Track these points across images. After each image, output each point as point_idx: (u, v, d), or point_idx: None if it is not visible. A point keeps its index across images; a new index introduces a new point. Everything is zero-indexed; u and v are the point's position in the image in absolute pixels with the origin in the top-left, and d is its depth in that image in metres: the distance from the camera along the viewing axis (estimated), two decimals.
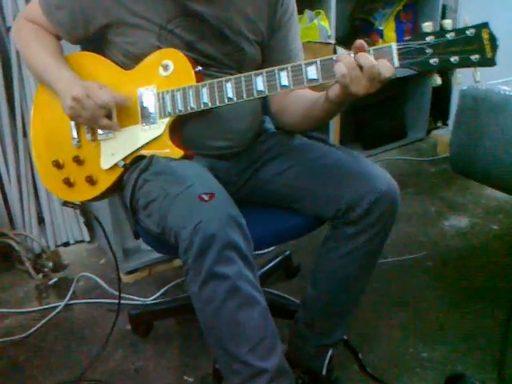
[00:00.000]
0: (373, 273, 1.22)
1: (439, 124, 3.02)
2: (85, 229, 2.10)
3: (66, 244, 2.10)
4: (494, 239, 2.02)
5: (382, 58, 0.92)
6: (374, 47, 0.94)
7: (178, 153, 1.09)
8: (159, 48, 1.12)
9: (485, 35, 0.92)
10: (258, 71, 1.02)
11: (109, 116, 1.10)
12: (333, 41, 1.87)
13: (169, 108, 1.09)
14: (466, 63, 0.92)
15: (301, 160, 1.21)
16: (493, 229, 2.09)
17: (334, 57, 0.96)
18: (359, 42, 0.93)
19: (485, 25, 0.92)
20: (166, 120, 1.10)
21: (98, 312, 1.72)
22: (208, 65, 1.16)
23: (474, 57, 0.91)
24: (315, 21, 2.14)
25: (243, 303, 0.91)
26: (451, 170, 1.50)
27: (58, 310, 1.72)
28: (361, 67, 0.92)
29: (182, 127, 1.14)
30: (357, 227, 1.11)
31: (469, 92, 1.17)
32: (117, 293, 1.73)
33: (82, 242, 2.11)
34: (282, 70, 0.99)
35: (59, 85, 1.12)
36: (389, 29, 2.63)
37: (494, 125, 1.12)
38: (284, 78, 0.99)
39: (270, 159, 1.24)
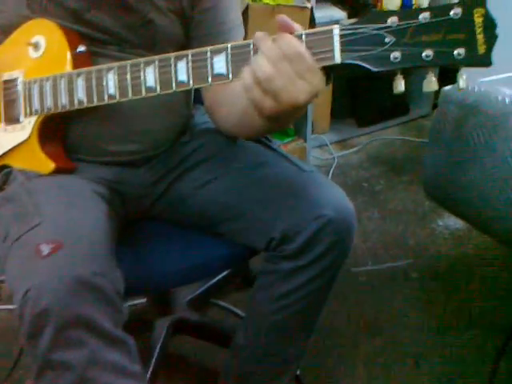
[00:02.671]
0: (321, 314, 0.96)
1: None
2: None
3: None
4: (493, 247, 1.72)
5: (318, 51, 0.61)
6: (308, 31, 0.62)
7: (47, 166, 0.80)
8: (30, 19, 0.82)
9: (477, 18, 0.60)
10: (148, 59, 0.71)
11: None
12: (310, 4, 1.51)
13: (36, 104, 0.79)
14: (444, 61, 0.61)
15: (232, 169, 0.93)
16: None
17: (252, 42, 0.64)
18: (279, 17, 0.62)
19: (479, 2, 0.60)
20: (33, 120, 0.80)
21: None
22: (104, 42, 0.86)
23: (458, 51, 0.60)
24: None
25: None
26: None
27: None
28: (289, 59, 0.61)
29: (66, 127, 0.85)
30: (296, 262, 0.85)
31: (453, 95, 0.84)
32: None
33: None
34: (181, 58, 0.69)
35: None
36: None
37: (489, 148, 0.79)
38: (182, 71, 0.69)
39: (193, 166, 0.96)
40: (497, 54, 0.61)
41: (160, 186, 0.96)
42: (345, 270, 1.59)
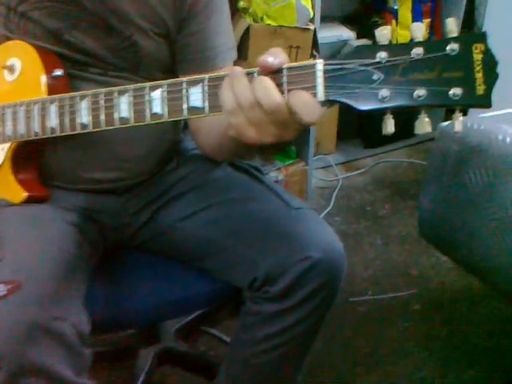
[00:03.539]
0: (306, 358, 0.91)
1: None
2: None
3: None
4: None
5: (300, 87, 0.56)
6: (290, 65, 0.57)
7: (19, 195, 0.76)
8: (8, 39, 0.78)
9: (477, 55, 0.54)
10: (123, 88, 0.67)
11: None
12: (313, 26, 1.47)
13: (9, 130, 0.76)
14: (438, 101, 0.55)
15: (217, 202, 0.88)
16: None
17: (228, 73, 0.60)
18: (262, 58, 0.57)
19: (479, 37, 0.54)
20: (6, 147, 0.76)
21: None
22: (86, 64, 0.82)
23: (454, 91, 0.54)
24: None
25: None
26: None
27: None
28: (259, 104, 0.56)
29: (42, 153, 0.81)
30: (280, 305, 0.80)
31: (452, 133, 0.78)
32: None
33: None
34: (155, 88, 0.64)
35: None
36: (405, 8, 2.20)
37: (489, 191, 0.72)
38: (156, 102, 0.64)
39: (179, 195, 0.91)
40: (497, 87, 0.55)
41: (143, 216, 0.91)
42: (343, 299, 1.54)
